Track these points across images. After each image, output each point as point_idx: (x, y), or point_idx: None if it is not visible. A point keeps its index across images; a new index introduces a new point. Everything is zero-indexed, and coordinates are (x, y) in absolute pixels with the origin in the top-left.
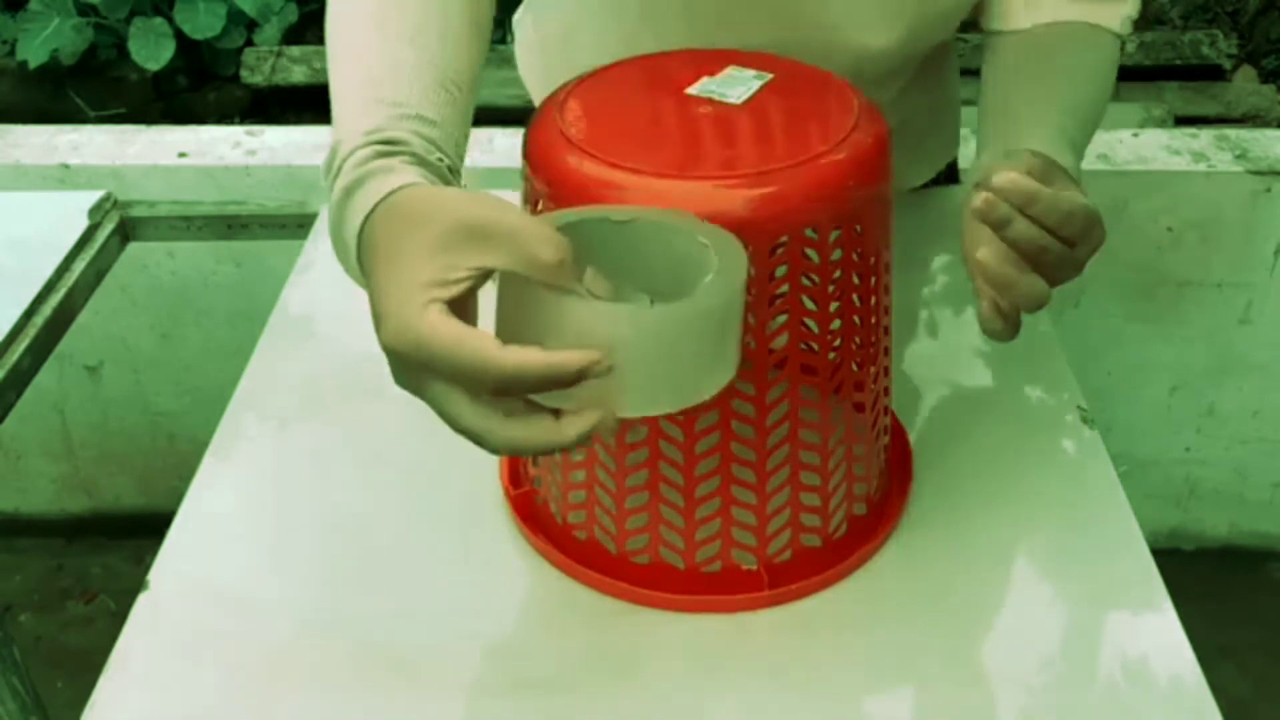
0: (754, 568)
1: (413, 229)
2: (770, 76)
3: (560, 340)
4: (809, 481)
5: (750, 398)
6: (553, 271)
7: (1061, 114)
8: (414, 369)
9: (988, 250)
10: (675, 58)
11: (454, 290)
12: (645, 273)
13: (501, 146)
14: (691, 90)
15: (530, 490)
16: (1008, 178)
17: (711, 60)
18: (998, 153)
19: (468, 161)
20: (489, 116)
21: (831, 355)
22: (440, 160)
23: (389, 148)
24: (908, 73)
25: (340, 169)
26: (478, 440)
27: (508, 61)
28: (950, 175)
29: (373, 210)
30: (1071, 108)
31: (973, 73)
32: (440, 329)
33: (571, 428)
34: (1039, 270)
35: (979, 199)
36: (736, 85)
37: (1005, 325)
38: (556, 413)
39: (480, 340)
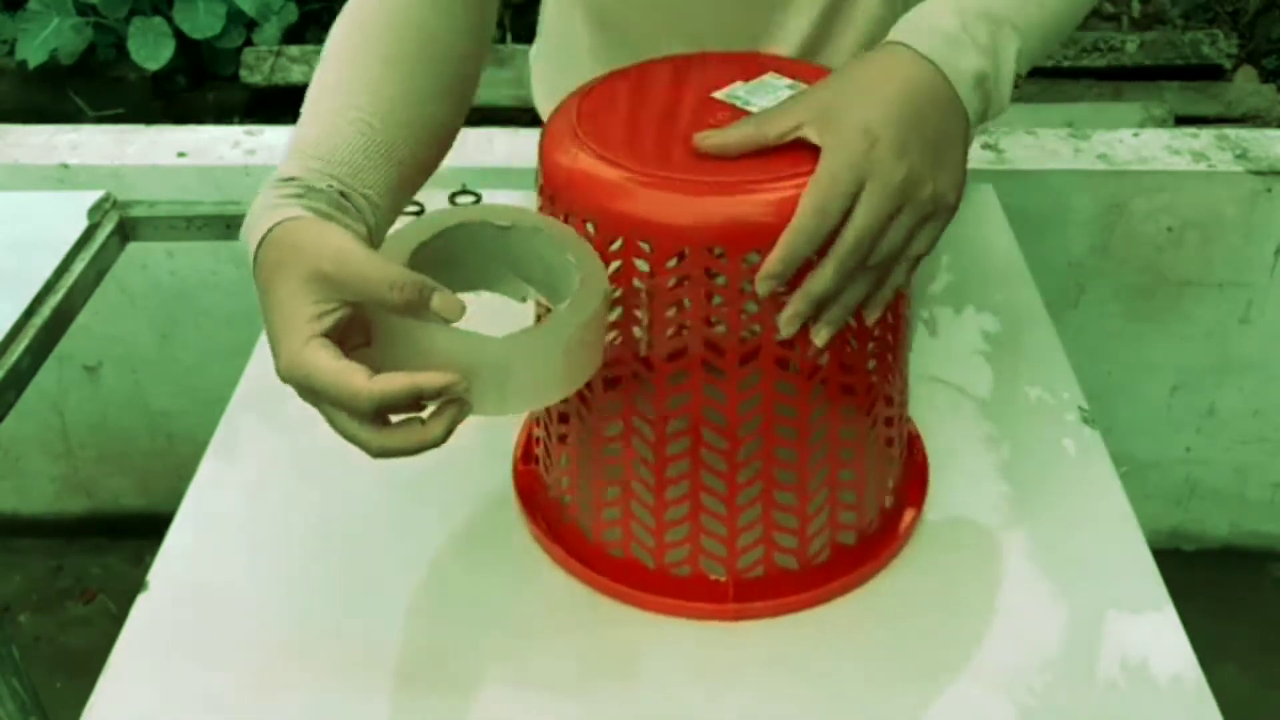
0: (760, 574)
1: (280, 272)
2: (804, 88)
3: (425, 361)
4: (842, 479)
5: (792, 400)
6: (400, 310)
7: None
8: (306, 394)
9: (822, 336)
10: (711, 59)
11: (328, 323)
12: (522, 269)
13: (501, 146)
14: (719, 95)
15: (537, 486)
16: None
17: (750, 65)
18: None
19: (468, 161)
20: (489, 116)
21: (865, 367)
22: (330, 186)
23: (289, 181)
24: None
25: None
26: (362, 447)
27: (508, 61)
28: None
29: (260, 243)
30: None
31: None
32: (321, 365)
33: (436, 428)
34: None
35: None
36: (765, 94)
37: None
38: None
39: (351, 375)
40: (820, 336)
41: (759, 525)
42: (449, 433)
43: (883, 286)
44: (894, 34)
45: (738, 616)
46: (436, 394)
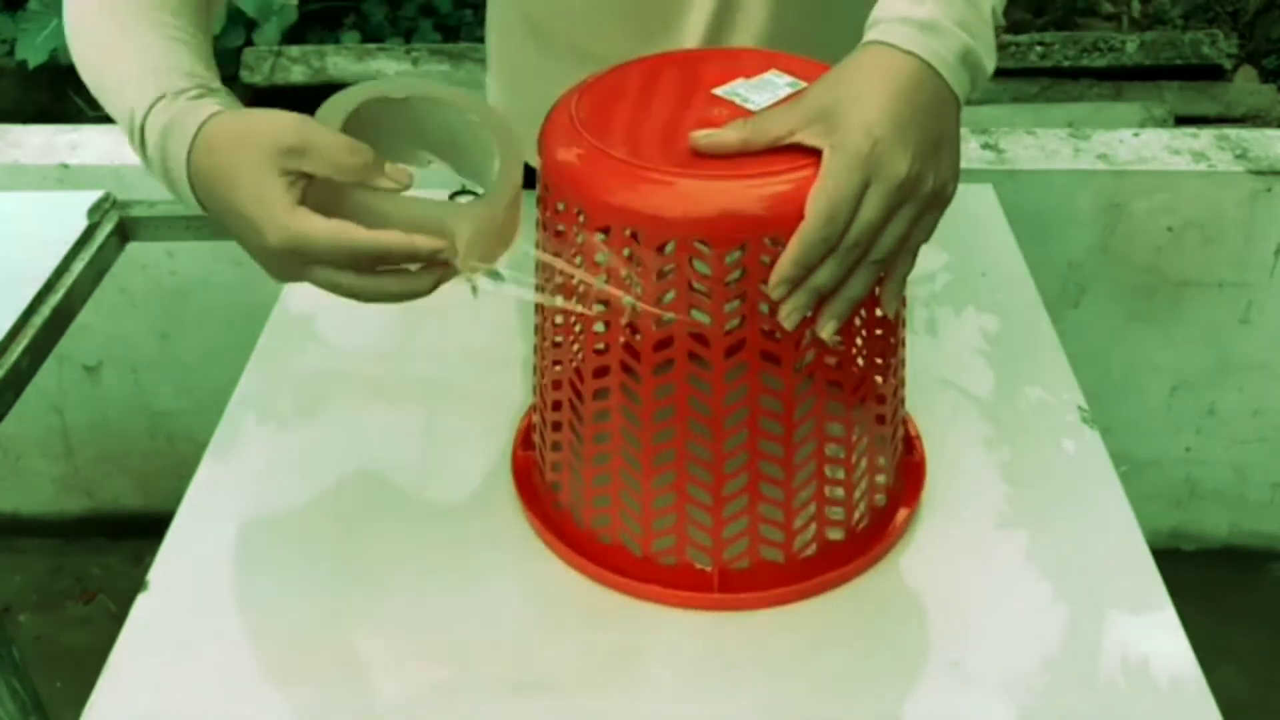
0: (746, 566)
1: (241, 152)
2: (804, 85)
3: (399, 226)
4: (829, 475)
5: (778, 394)
6: (359, 173)
7: None
8: (296, 261)
9: (829, 329)
10: (713, 56)
11: (298, 193)
12: (426, 141)
13: None
14: (719, 91)
15: (534, 472)
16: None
17: (753, 61)
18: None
19: None
20: None
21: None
22: (219, 86)
23: (182, 91)
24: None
25: (144, 126)
26: (356, 295)
27: None
28: None
29: (192, 144)
30: None
31: None
32: (315, 224)
33: (426, 280)
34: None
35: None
36: (764, 90)
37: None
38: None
39: (349, 229)
40: (826, 330)
41: (744, 517)
42: (436, 287)
43: (890, 279)
44: (872, 33)
45: (722, 607)
46: (428, 256)
